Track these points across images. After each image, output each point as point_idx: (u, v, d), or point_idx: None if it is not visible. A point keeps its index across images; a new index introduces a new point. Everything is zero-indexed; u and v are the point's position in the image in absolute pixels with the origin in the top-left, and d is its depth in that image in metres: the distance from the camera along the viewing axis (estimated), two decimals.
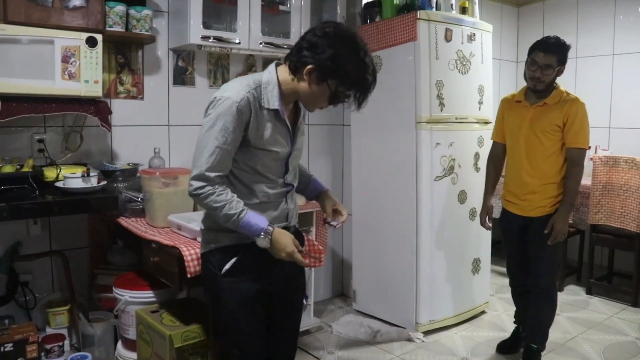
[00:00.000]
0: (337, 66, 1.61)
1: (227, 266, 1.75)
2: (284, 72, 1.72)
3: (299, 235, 1.99)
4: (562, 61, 2.65)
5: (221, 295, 1.76)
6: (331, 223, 1.92)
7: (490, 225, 3.06)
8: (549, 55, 2.61)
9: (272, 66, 1.75)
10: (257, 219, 1.68)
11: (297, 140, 1.82)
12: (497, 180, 3.05)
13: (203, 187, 1.65)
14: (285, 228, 1.83)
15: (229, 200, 1.65)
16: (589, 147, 2.69)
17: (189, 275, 2.04)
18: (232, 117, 1.62)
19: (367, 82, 1.65)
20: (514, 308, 3.69)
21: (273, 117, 1.71)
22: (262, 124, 1.69)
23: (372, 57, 1.67)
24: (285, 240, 1.70)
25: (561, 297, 4.06)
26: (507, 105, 2.90)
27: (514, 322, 3.14)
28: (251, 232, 1.68)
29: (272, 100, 1.69)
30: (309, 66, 1.63)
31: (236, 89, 1.66)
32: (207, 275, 1.82)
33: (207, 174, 1.65)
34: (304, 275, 2.03)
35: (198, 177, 1.66)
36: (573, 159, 2.67)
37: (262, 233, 1.67)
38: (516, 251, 2.91)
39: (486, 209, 3.03)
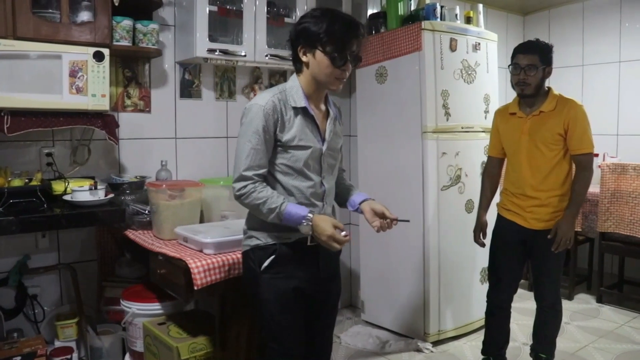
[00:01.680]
0: (317, 30, 1.76)
1: (266, 263, 1.85)
2: (300, 78, 1.88)
3: None
4: (546, 61, 2.56)
5: (259, 290, 1.86)
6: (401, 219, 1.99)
7: (485, 242, 2.88)
8: (529, 55, 2.54)
9: (293, 75, 1.92)
10: (297, 209, 1.79)
11: (329, 140, 1.92)
12: (492, 196, 2.91)
13: (245, 186, 1.79)
14: None
15: (270, 196, 1.78)
16: (597, 155, 2.62)
17: (195, 288, 2.05)
18: (260, 119, 1.77)
19: (347, 30, 1.77)
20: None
21: (301, 114, 1.84)
22: (290, 122, 1.82)
23: (349, 15, 1.85)
24: (324, 225, 1.78)
25: (571, 305, 4.03)
26: (501, 117, 2.78)
27: (482, 353, 2.94)
28: (294, 221, 1.79)
29: (298, 100, 1.84)
30: (299, 46, 1.81)
31: (262, 96, 1.83)
32: (247, 272, 1.92)
33: (245, 173, 1.79)
34: (339, 278, 2.08)
35: (238, 179, 1.80)
36: (581, 164, 2.57)
37: (304, 220, 1.78)
38: (510, 264, 2.75)
39: (480, 225, 2.88)
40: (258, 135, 1.77)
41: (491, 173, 2.89)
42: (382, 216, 1.96)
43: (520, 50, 2.59)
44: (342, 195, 2.11)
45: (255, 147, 1.78)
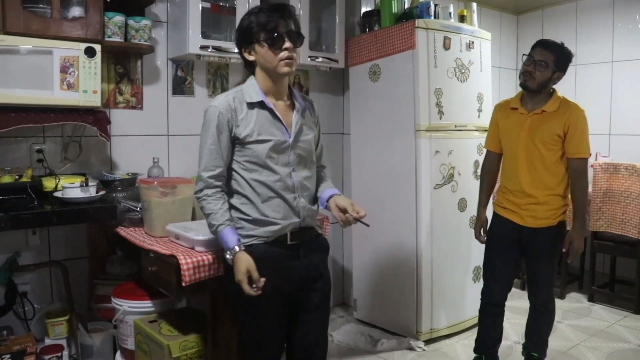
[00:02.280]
0: (249, 25, 1.87)
1: None
2: (256, 77, 1.95)
3: (320, 241, 2.06)
4: (560, 64, 2.54)
5: (240, 293, 1.84)
6: (362, 221, 1.98)
7: (485, 238, 2.87)
8: (545, 52, 2.53)
9: (250, 76, 1.98)
10: (229, 238, 1.83)
11: (296, 131, 1.93)
12: (491, 192, 2.91)
13: (201, 190, 1.88)
14: (302, 228, 1.93)
15: (216, 211, 1.85)
16: (589, 155, 2.63)
17: (183, 284, 2.04)
18: (214, 120, 1.85)
19: (272, 13, 1.85)
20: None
21: (259, 109, 1.89)
22: (247, 118, 1.87)
23: (275, 2, 1.97)
24: (238, 267, 1.80)
25: (563, 304, 4.04)
26: (502, 112, 2.77)
27: (474, 351, 2.93)
28: (224, 246, 1.85)
29: (254, 95, 1.89)
30: (243, 49, 1.92)
31: (218, 98, 1.90)
32: (228, 273, 1.91)
33: (202, 174, 1.87)
34: (326, 276, 2.05)
35: (197, 179, 1.90)
36: (577, 170, 2.56)
37: (228, 252, 1.83)
38: (505, 262, 2.75)
39: (481, 222, 2.87)
40: (213, 136, 1.84)
41: (490, 169, 2.89)
42: (344, 211, 1.96)
43: (540, 44, 2.59)
44: (317, 194, 2.09)
45: (210, 148, 1.85)
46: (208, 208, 1.86)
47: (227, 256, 1.83)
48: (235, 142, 1.87)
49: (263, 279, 1.79)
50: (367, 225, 2.02)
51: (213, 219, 1.84)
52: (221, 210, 1.85)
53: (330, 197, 2.02)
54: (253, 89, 1.90)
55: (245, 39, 1.88)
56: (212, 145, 1.84)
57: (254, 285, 1.79)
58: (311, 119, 2.04)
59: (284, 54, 1.84)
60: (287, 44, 1.84)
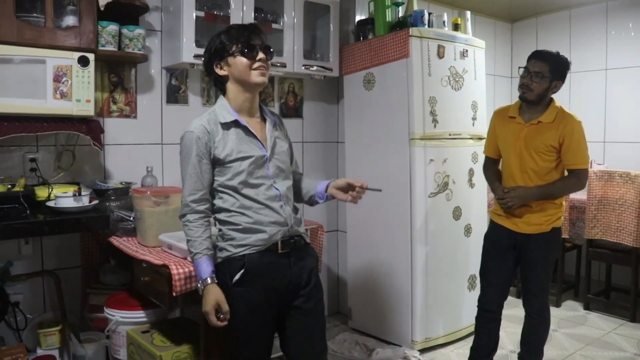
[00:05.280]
0: (221, 41, 1.90)
1: (237, 277, 1.86)
2: (227, 96, 1.96)
3: (309, 250, 2.05)
4: (556, 73, 2.54)
5: (232, 302, 1.86)
6: (369, 188, 1.99)
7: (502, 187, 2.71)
8: (540, 63, 2.54)
9: (220, 96, 1.99)
10: (203, 268, 1.85)
11: (272, 145, 1.96)
12: (499, 179, 2.79)
13: (184, 215, 1.90)
14: (291, 237, 1.93)
15: (195, 239, 1.86)
16: (588, 166, 2.62)
17: (174, 294, 2.04)
18: (191, 145, 1.86)
19: (242, 28, 1.93)
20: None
21: (234, 128, 1.90)
22: (224, 139, 1.88)
23: (238, 24, 2.06)
24: (208, 298, 1.82)
25: (559, 312, 4.03)
26: (500, 119, 2.78)
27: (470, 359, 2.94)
28: (197, 275, 1.87)
29: (227, 115, 1.90)
30: (215, 65, 1.92)
31: (193, 123, 1.90)
32: (220, 284, 1.89)
33: (186, 200, 1.89)
34: (315, 283, 2.03)
35: (182, 204, 1.92)
36: (574, 173, 2.58)
37: (200, 282, 1.85)
38: (500, 268, 2.75)
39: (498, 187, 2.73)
40: (192, 162, 1.86)
41: (491, 169, 2.86)
42: (348, 188, 2.00)
43: (535, 55, 2.59)
44: (309, 193, 2.12)
45: (190, 173, 1.87)
46: (189, 234, 1.87)
47: (199, 285, 1.85)
48: (216, 164, 1.89)
49: (228, 312, 1.83)
50: (380, 190, 2.04)
51: (192, 246, 1.87)
52: (200, 239, 1.86)
53: (327, 186, 2.06)
54: (225, 109, 1.91)
55: (217, 54, 1.90)
56: (192, 169, 1.86)
57: (220, 316, 1.83)
58: (282, 132, 2.07)
59: (257, 63, 1.88)
60: (261, 55, 1.89)
